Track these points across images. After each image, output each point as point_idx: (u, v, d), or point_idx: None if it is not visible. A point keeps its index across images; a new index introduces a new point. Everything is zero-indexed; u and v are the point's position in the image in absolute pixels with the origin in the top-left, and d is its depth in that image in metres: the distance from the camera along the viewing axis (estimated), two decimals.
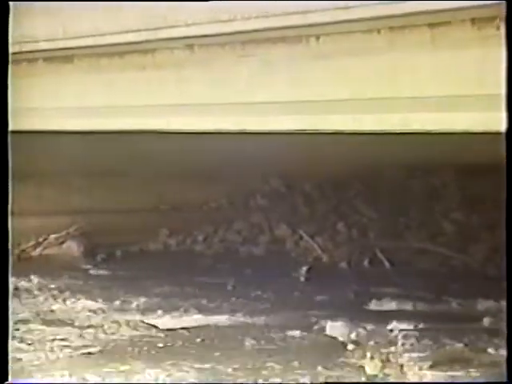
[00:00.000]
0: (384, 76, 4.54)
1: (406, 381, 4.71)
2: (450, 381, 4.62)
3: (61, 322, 5.97)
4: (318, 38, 4.89)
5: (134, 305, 6.54)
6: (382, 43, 4.58)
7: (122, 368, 4.82)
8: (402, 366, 4.93)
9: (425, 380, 4.71)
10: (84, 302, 6.56)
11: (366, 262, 8.66)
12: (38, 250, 8.96)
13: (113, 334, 5.64)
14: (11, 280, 7.33)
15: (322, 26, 4.74)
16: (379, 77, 4.57)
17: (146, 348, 5.30)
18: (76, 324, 5.93)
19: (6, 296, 3.68)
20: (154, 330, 5.77)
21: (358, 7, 4.39)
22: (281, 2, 4.85)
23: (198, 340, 5.54)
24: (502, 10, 3.66)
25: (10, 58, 7.11)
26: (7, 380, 3.69)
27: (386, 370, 4.87)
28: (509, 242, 3.36)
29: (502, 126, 3.57)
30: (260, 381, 4.61)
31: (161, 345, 5.38)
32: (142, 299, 6.68)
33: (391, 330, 5.76)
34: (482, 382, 4.66)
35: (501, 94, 3.61)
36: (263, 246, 9.40)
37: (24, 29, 6.64)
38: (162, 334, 5.67)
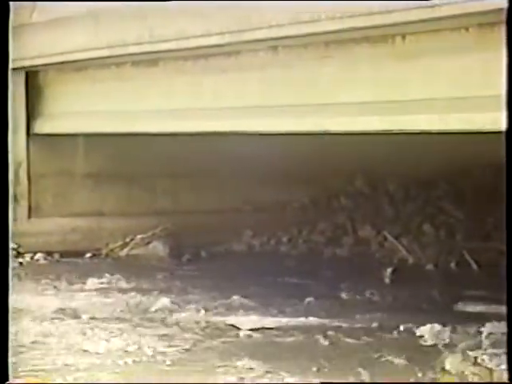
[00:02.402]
0: (473, 75, 4.44)
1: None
2: None
3: (147, 322, 6.07)
4: (403, 37, 4.83)
5: (218, 305, 6.59)
6: (470, 41, 4.49)
7: (201, 368, 4.86)
8: (491, 370, 4.82)
9: None
10: (169, 302, 6.64)
11: (453, 264, 8.51)
12: (126, 250, 9.12)
13: (197, 334, 5.70)
14: (97, 279, 7.53)
15: (408, 24, 4.67)
16: (467, 76, 4.48)
17: (227, 348, 5.33)
18: (160, 324, 6.01)
19: (6, 296, 3.71)
20: (236, 331, 5.80)
21: (445, 5, 4.31)
22: (365, 2, 4.81)
23: (282, 341, 5.54)
24: None
25: (100, 62, 7.31)
26: (8, 380, 3.69)
27: (475, 374, 4.77)
28: (509, 242, 3.28)
29: None
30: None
31: (243, 345, 5.40)
32: (227, 300, 6.72)
33: (479, 333, 5.64)
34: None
35: None
36: (347, 247, 9.34)
37: (112, 34, 6.78)
38: (244, 335, 5.68)
